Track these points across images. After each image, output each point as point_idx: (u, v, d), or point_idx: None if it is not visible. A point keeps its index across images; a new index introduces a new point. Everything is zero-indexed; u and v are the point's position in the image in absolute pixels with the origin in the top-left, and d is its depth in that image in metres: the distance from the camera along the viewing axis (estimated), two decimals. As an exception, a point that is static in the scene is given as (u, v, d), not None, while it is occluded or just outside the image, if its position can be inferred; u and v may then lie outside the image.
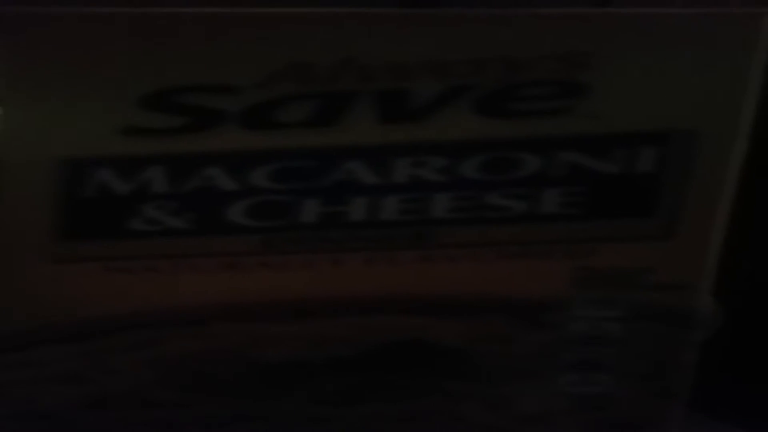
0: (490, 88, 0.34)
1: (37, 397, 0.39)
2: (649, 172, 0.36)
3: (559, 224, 0.37)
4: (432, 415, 0.41)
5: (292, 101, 0.33)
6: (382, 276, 0.37)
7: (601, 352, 0.40)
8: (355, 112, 0.34)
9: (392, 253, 0.37)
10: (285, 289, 0.37)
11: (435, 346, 0.39)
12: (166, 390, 0.40)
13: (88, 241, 0.36)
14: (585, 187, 0.36)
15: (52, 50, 0.32)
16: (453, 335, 0.39)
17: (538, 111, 0.34)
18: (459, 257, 0.37)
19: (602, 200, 0.36)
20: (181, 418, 0.40)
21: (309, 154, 0.35)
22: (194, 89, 0.33)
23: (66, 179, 0.34)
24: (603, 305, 0.39)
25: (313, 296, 0.38)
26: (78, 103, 0.33)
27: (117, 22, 0.32)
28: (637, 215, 0.37)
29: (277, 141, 0.34)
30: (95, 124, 0.33)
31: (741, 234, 0.37)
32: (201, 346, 0.39)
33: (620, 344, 0.40)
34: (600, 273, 0.38)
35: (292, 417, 0.41)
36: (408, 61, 0.33)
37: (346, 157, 0.35)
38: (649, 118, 0.35)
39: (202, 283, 0.37)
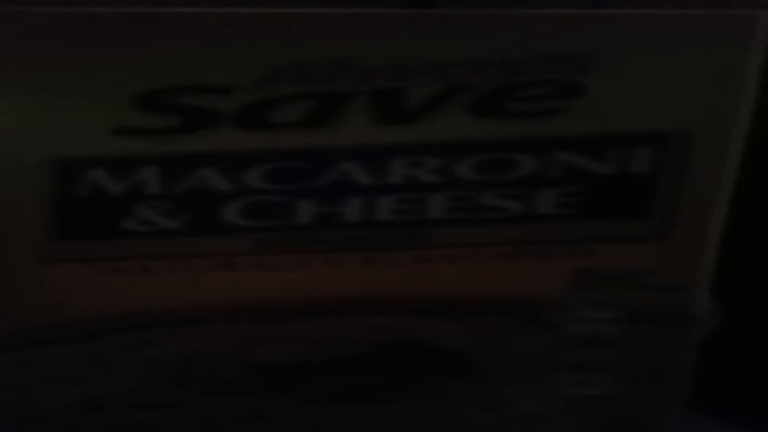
0: (486, 88, 0.34)
1: (32, 399, 0.39)
2: (646, 173, 0.36)
3: (555, 225, 0.36)
4: (430, 416, 0.41)
5: (286, 101, 0.33)
6: (379, 277, 0.37)
7: (598, 352, 0.40)
8: (350, 112, 0.34)
9: (388, 253, 0.37)
10: (281, 290, 0.37)
11: (432, 347, 0.39)
12: (163, 390, 0.40)
13: (81, 242, 0.36)
14: (581, 188, 0.36)
15: (44, 50, 0.32)
16: (450, 336, 0.39)
17: (533, 111, 0.34)
18: (455, 258, 0.37)
19: (598, 201, 0.36)
20: (177, 419, 0.40)
21: (304, 154, 0.34)
22: (188, 89, 0.33)
23: (59, 179, 0.34)
24: (600, 306, 0.39)
25: (309, 297, 0.38)
26: (70, 103, 0.33)
27: (109, 22, 0.32)
28: (634, 216, 0.37)
29: (271, 141, 0.34)
30: (88, 124, 0.33)
31: (739, 232, 0.37)
32: (196, 347, 0.39)
33: (618, 345, 0.40)
34: (597, 274, 0.38)
35: (291, 417, 0.41)
36: (403, 61, 0.33)
37: (341, 157, 0.35)
38: (645, 118, 0.35)
39: (197, 283, 0.37)
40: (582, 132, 0.35)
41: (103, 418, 0.40)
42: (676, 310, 0.39)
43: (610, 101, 0.34)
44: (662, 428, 0.41)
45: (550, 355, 0.40)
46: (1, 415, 0.39)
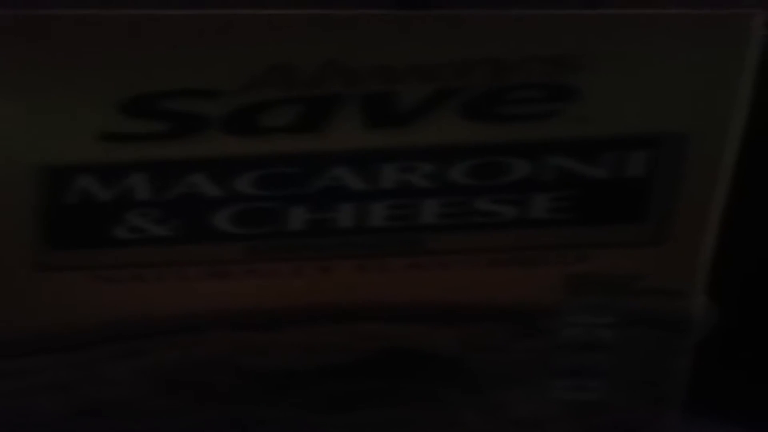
0: (478, 91, 0.33)
1: (24, 407, 0.39)
2: (640, 176, 0.35)
3: (549, 230, 0.36)
4: (426, 422, 0.41)
5: (275, 106, 0.33)
6: (372, 284, 0.37)
7: (594, 358, 0.40)
8: (340, 116, 0.33)
9: (382, 260, 0.37)
10: (273, 297, 0.37)
11: (427, 353, 0.39)
12: (157, 398, 0.40)
13: (71, 250, 0.36)
14: (575, 192, 0.36)
15: (30, 54, 0.32)
16: (445, 342, 0.39)
17: (526, 115, 0.34)
18: (449, 264, 0.37)
19: (593, 205, 0.36)
20: (172, 427, 0.40)
21: (294, 159, 0.34)
22: (176, 94, 0.33)
23: (47, 186, 0.34)
24: (595, 311, 0.39)
25: (303, 304, 0.38)
26: (58, 109, 0.33)
27: (96, 26, 0.32)
28: (628, 220, 0.36)
29: (261, 146, 0.34)
30: (76, 130, 0.33)
31: (735, 231, 0.36)
32: (190, 355, 0.38)
33: (613, 350, 0.40)
34: (592, 279, 0.38)
35: (286, 424, 0.41)
36: (394, 64, 0.33)
37: (333, 162, 0.34)
38: (639, 120, 0.34)
39: (189, 291, 0.37)
40: (576, 135, 0.34)
41: (97, 427, 0.40)
42: (672, 315, 0.39)
43: (604, 104, 0.34)
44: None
45: (546, 360, 0.40)
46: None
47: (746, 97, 0.34)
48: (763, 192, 0.41)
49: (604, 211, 0.36)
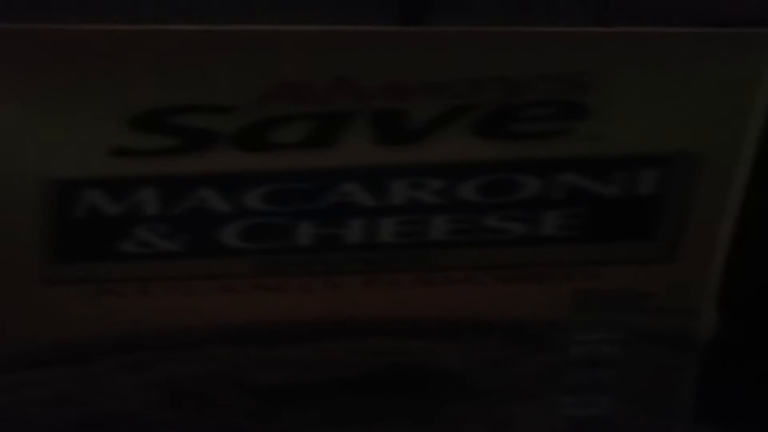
0: (489, 109, 0.33)
1: (28, 420, 0.39)
2: (651, 195, 0.35)
3: (559, 247, 0.36)
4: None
5: (286, 122, 0.33)
6: (380, 299, 0.37)
7: (601, 374, 0.40)
8: (350, 132, 0.33)
9: (390, 275, 0.37)
10: (281, 312, 0.37)
11: (434, 369, 0.39)
12: (161, 412, 0.39)
13: (79, 263, 0.35)
14: (585, 210, 0.36)
15: (40, 68, 0.32)
16: (453, 358, 0.39)
17: (537, 132, 0.34)
18: (458, 280, 0.37)
19: (603, 223, 0.36)
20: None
21: (304, 175, 0.34)
22: (186, 109, 0.33)
23: (56, 200, 0.34)
24: (604, 328, 0.38)
25: (309, 319, 0.37)
26: (68, 124, 0.32)
27: (106, 41, 0.31)
28: (639, 238, 0.36)
29: (271, 162, 0.34)
30: (85, 145, 0.33)
31: (739, 239, 0.36)
32: (195, 369, 0.38)
33: (621, 367, 0.40)
34: (601, 296, 0.38)
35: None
36: (404, 80, 0.33)
37: (342, 178, 0.34)
38: (650, 139, 0.34)
39: (196, 305, 0.37)
40: (586, 153, 0.34)
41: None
42: (681, 332, 0.39)
43: (615, 122, 0.34)
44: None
45: (553, 377, 0.40)
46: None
47: (759, 116, 0.34)
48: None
49: (614, 229, 0.36)
